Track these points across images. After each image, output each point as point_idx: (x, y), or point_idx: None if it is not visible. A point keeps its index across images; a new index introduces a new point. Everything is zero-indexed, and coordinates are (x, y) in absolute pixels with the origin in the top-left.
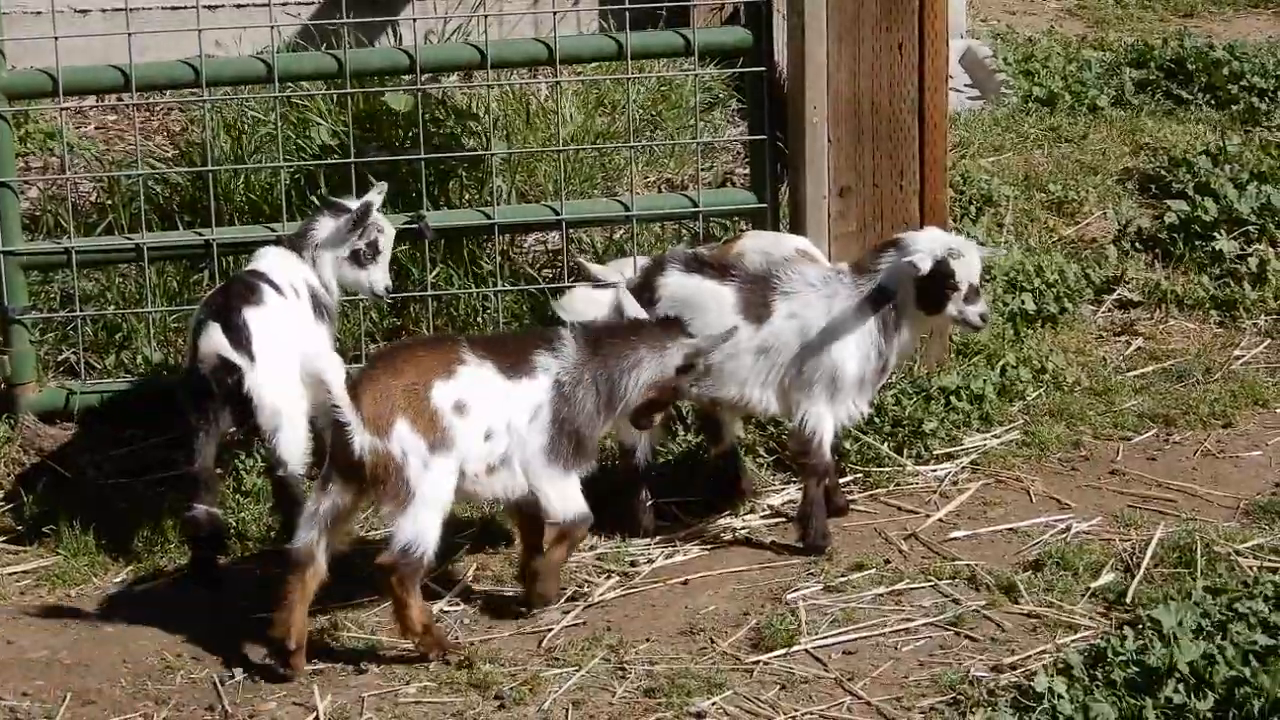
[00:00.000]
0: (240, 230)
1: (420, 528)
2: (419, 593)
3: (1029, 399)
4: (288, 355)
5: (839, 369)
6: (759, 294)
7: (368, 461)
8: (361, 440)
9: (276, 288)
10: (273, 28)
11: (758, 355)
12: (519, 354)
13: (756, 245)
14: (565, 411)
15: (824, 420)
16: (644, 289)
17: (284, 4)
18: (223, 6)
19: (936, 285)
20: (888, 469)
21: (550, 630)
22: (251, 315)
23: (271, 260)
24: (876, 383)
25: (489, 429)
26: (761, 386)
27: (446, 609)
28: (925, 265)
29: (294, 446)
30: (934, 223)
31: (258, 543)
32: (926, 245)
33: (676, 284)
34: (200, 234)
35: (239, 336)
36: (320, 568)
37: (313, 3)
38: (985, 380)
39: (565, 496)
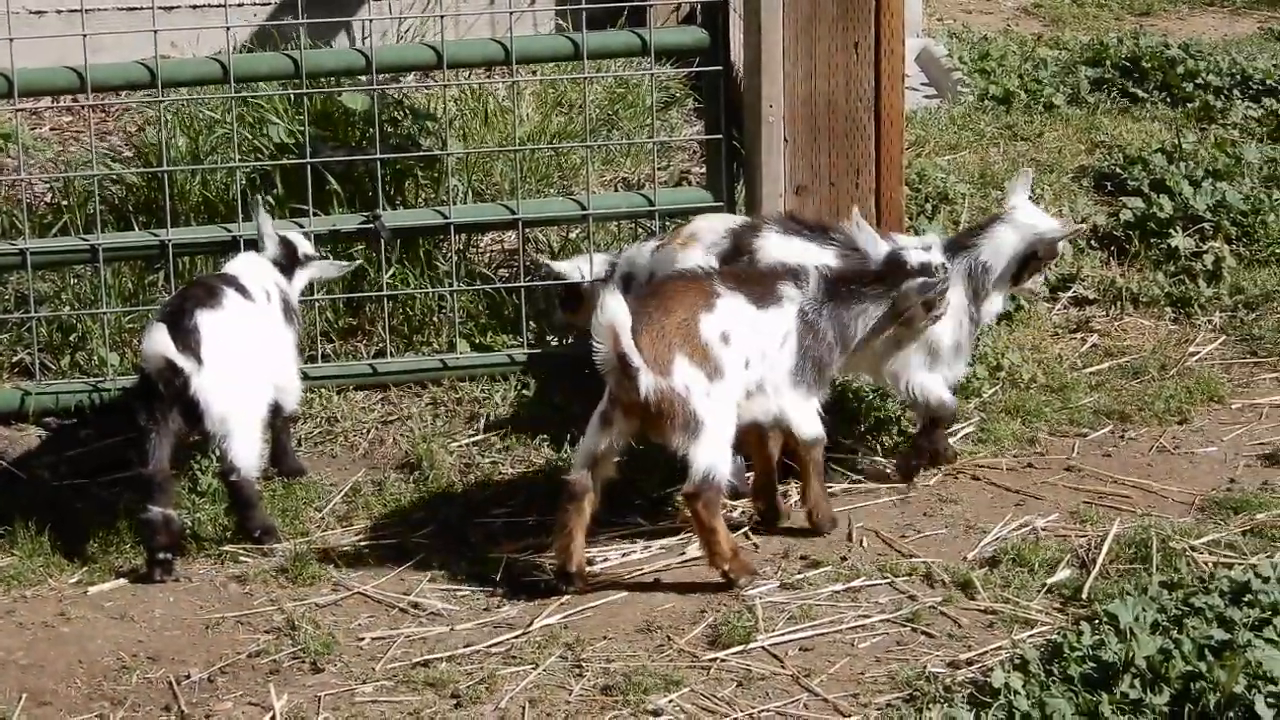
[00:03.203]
0: (196, 231)
1: (715, 454)
2: (723, 519)
3: (985, 396)
4: (244, 360)
5: (935, 340)
6: (858, 259)
7: (653, 400)
8: (646, 381)
9: (245, 291)
10: (228, 29)
11: None
12: (765, 285)
13: (707, 225)
14: (809, 340)
15: (929, 380)
16: (738, 251)
17: (240, 5)
18: (178, 8)
19: (1030, 262)
20: (843, 465)
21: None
22: (205, 318)
23: (243, 264)
24: (971, 345)
25: (747, 357)
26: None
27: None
28: (1027, 245)
29: (247, 451)
30: (890, 221)
31: (213, 543)
32: (1029, 223)
33: (775, 245)
34: (156, 235)
35: (188, 339)
36: (594, 496)
37: (269, 4)
38: None
39: (810, 416)
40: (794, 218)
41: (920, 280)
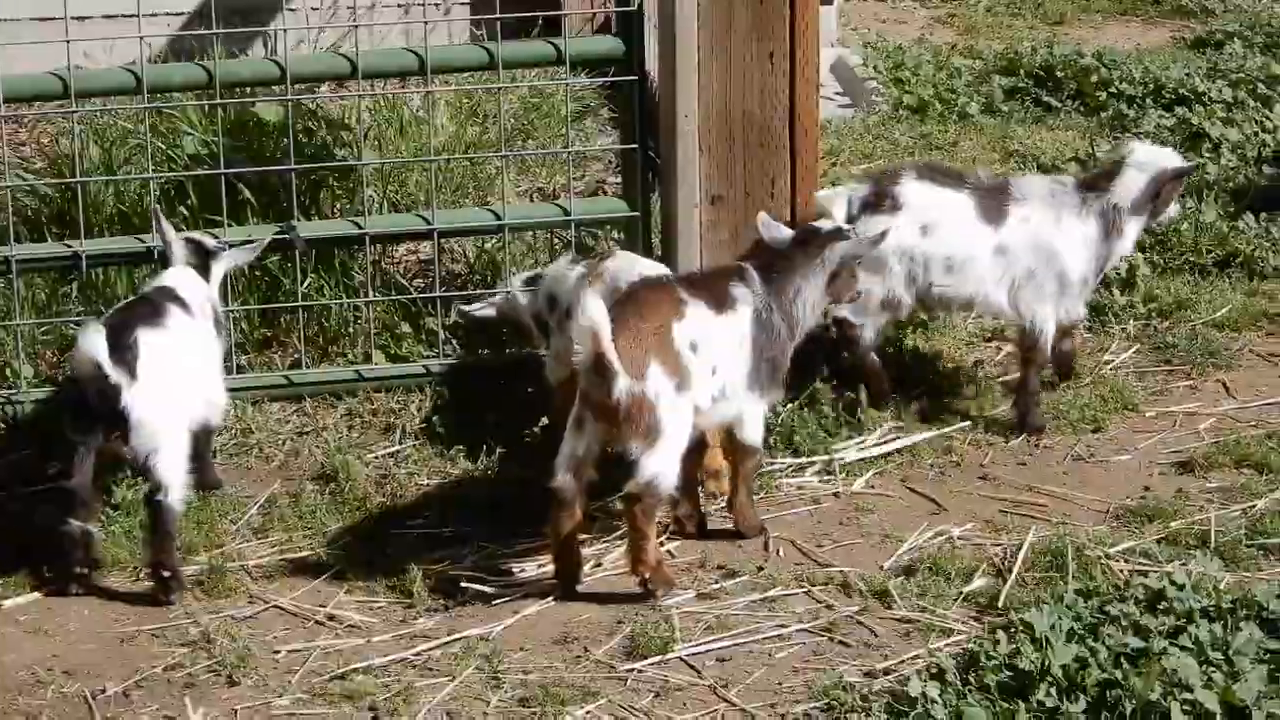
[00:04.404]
0: (110, 242)
1: (665, 463)
2: (654, 530)
3: (899, 405)
4: (179, 378)
5: (1066, 273)
6: (994, 201)
7: (624, 403)
8: (622, 384)
9: (186, 306)
10: (141, 39)
11: (995, 256)
12: (720, 288)
13: (615, 266)
14: (764, 339)
15: (1049, 321)
16: (880, 199)
17: (153, 15)
18: (91, 18)
19: (1164, 197)
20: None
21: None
22: (146, 335)
23: (180, 276)
24: (1093, 284)
25: (714, 364)
26: (996, 286)
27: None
28: (1156, 181)
29: (175, 471)
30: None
31: (131, 556)
32: (1152, 161)
33: (916, 192)
34: (69, 246)
35: (125, 354)
36: (581, 498)
37: (182, 14)
38: (858, 387)
39: (757, 423)
40: (930, 166)
41: (849, 240)
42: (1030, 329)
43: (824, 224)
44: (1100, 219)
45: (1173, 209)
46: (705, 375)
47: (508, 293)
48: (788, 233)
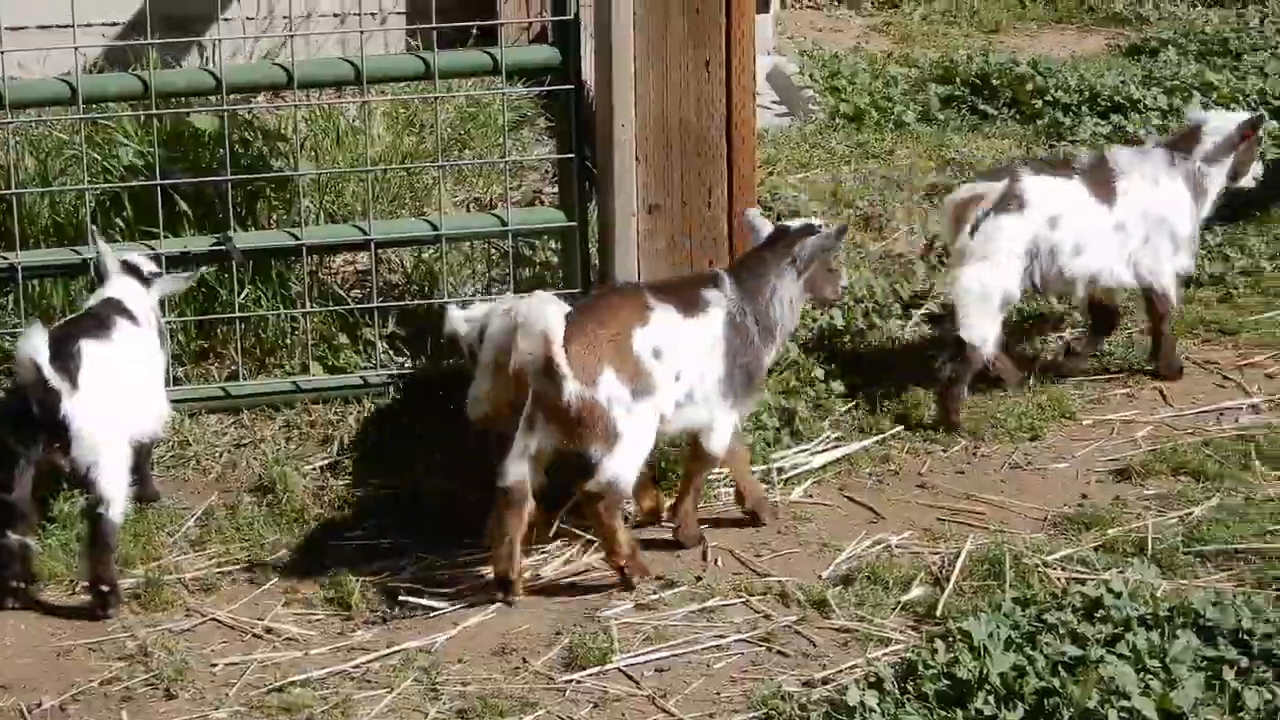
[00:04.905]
0: (46, 254)
1: (625, 466)
2: (622, 519)
3: (838, 415)
4: (122, 389)
5: (1178, 233)
6: (1101, 179)
7: (575, 408)
8: (571, 388)
9: (132, 316)
10: (76, 49)
11: (1115, 233)
12: (691, 293)
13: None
14: (737, 344)
15: (1171, 278)
16: (1006, 199)
17: (88, 26)
18: (26, 28)
19: (1241, 156)
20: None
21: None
22: (88, 346)
23: (124, 286)
24: (1198, 240)
25: (678, 370)
26: (1117, 260)
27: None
28: (1230, 141)
29: (116, 484)
30: (742, 240)
31: (68, 569)
32: (1224, 125)
33: (1036, 185)
34: (5, 257)
35: (66, 363)
36: (530, 501)
37: (117, 24)
38: (798, 396)
39: (724, 433)
40: (1040, 159)
41: (818, 235)
42: (1157, 291)
43: (794, 222)
44: (1187, 181)
45: (1256, 168)
46: (669, 381)
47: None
48: (765, 232)
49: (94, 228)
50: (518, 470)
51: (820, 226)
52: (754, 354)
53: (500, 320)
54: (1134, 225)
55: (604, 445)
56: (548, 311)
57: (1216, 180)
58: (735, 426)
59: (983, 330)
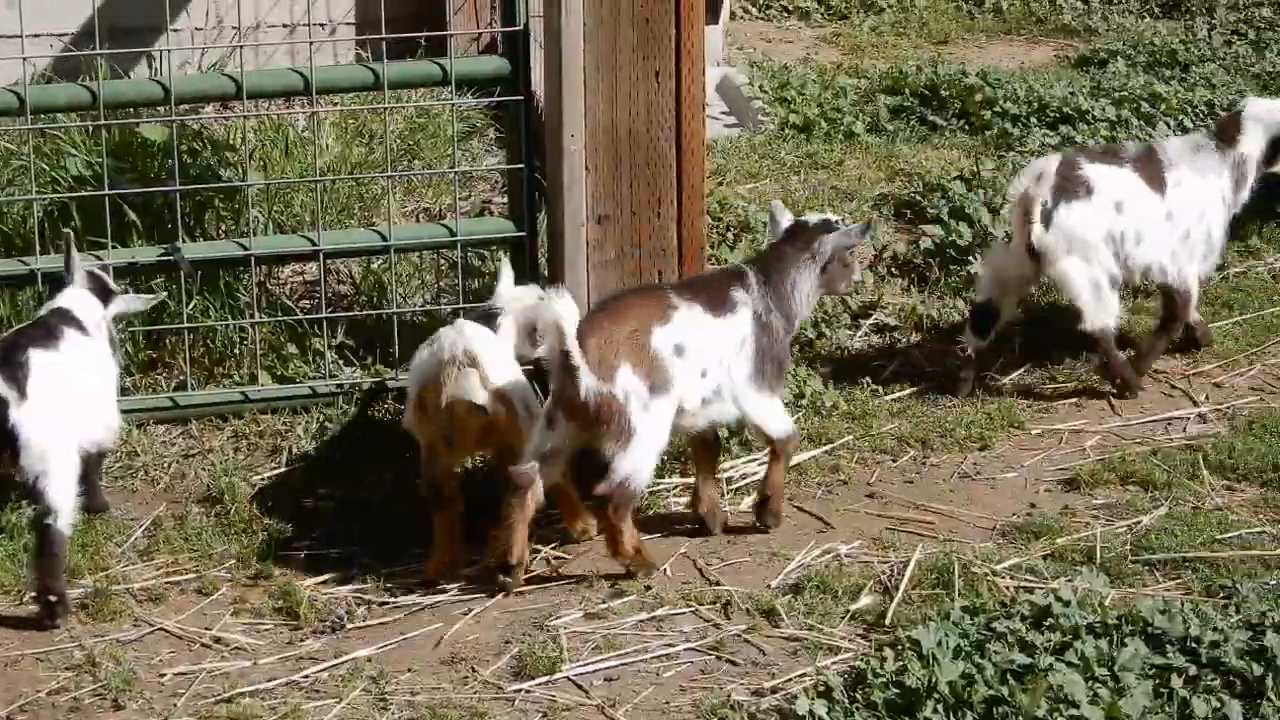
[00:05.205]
0: None
1: (638, 464)
2: (630, 520)
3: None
4: (71, 399)
5: (1212, 232)
6: (1153, 168)
7: (592, 403)
8: (588, 383)
9: (82, 327)
10: (24, 59)
11: (1166, 223)
12: (719, 292)
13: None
14: (765, 340)
15: (1195, 280)
16: (1070, 184)
17: (36, 36)
18: None
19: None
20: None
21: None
22: (37, 355)
23: (75, 296)
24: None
25: (704, 366)
26: (1165, 250)
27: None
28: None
29: (64, 495)
30: (692, 250)
31: (15, 580)
32: (1266, 114)
33: (1097, 174)
34: None
35: (15, 372)
36: (539, 493)
37: (66, 34)
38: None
39: (776, 415)
40: (1090, 148)
41: (837, 231)
42: (1181, 289)
43: (811, 217)
44: (1233, 171)
45: None
46: (693, 378)
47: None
48: (785, 225)
49: (68, 233)
50: (531, 460)
51: (837, 222)
52: (781, 345)
53: (425, 352)
54: (1180, 217)
55: (618, 443)
56: (559, 305)
57: (1255, 173)
58: (781, 403)
59: (1104, 317)
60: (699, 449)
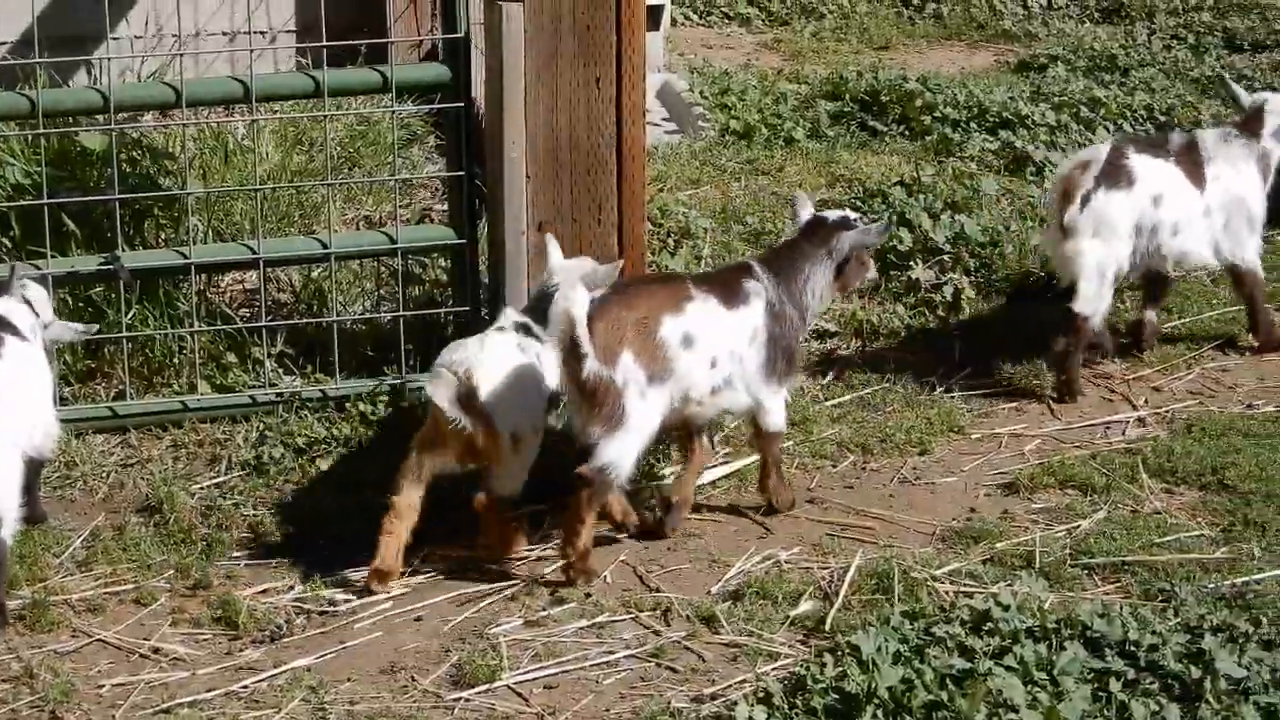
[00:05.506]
0: None
1: (623, 452)
2: (593, 519)
3: (728, 430)
4: (11, 407)
5: (1254, 215)
6: (1193, 163)
7: (591, 384)
8: (590, 365)
9: (18, 333)
10: None
11: (1204, 217)
12: (733, 285)
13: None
14: (777, 331)
15: (1255, 253)
16: (1115, 173)
17: None
18: None
19: None
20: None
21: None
22: None
23: (10, 306)
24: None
25: (714, 357)
26: (1202, 242)
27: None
28: None
29: (6, 504)
30: (633, 256)
31: None
32: None
33: (1142, 165)
34: None
35: None
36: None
37: (4, 42)
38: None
39: (778, 409)
40: (1138, 137)
41: (856, 229)
42: (1244, 268)
43: (830, 213)
44: (1259, 163)
45: None
46: (702, 368)
47: None
48: (805, 218)
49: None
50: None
51: (856, 220)
52: (793, 338)
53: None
54: (1218, 210)
55: (606, 427)
56: (572, 294)
57: (1278, 156)
58: (786, 401)
59: (1096, 304)
60: (689, 444)
